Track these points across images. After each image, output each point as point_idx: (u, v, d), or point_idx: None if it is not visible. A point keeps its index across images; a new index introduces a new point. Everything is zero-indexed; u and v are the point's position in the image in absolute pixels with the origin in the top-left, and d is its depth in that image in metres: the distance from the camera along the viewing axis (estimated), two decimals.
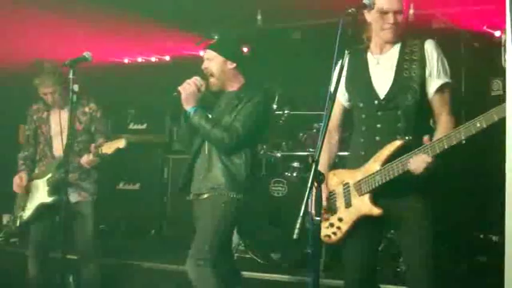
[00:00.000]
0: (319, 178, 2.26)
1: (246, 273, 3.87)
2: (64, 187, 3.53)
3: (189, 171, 3.44)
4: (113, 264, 4.57)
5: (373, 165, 2.61)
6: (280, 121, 4.95)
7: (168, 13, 5.68)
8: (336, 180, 2.75)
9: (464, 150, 2.62)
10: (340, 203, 2.71)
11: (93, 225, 4.01)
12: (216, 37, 5.07)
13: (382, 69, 2.67)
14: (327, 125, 2.32)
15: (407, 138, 2.57)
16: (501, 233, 2.19)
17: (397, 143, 2.57)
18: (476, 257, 4.44)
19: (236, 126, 3.23)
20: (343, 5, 2.46)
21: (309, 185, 2.20)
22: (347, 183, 2.70)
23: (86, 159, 3.81)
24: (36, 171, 4.07)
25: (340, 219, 2.68)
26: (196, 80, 3.34)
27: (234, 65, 3.37)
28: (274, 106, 4.94)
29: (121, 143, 3.71)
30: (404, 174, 2.52)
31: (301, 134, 4.91)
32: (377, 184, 2.58)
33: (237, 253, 4.61)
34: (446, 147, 2.43)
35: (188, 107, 3.30)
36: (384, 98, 2.64)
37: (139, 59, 7.31)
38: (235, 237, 4.71)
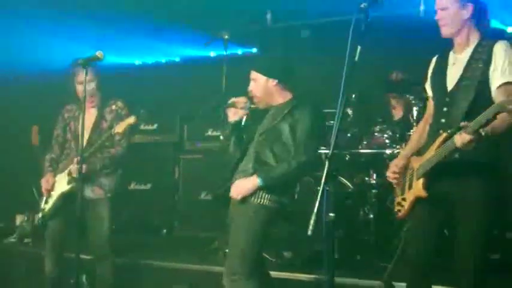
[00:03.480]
0: (333, 175, 2.29)
1: None
2: (80, 179, 3.63)
3: (231, 174, 3.44)
4: (125, 264, 4.59)
5: (429, 152, 2.83)
6: None
7: (177, 14, 5.70)
8: (410, 165, 3.00)
9: None
10: (407, 185, 2.97)
11: (109, 225, 4.02)
12: (226, 36, 5.09)
13: (456, 69, 2.87)
14: (339, 122, 2.37)
15: (449, 131, 2.71)
16: None
17: (444, 134, 2.74)
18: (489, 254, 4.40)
19: (300, 152, 3.26)
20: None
21: (322, 181, 2.22)
22: (412, 168, 2.95)
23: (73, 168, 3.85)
24: (60, 167, 4.08)
25: (404, 199, 2.97)
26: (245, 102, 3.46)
27: (276, 81, 3.39)
28: None
29: (131, 119, 3.76)
30: (456, 158, 2.69)
31: None
32: (428, 168, 2.78)
33: None
34: (477, 126, 2.48)
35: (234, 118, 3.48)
36: (449, 93, 2.84)
37: (149, 60, 7.37)
38: None
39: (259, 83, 3.40)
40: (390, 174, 3.05)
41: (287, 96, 3.44)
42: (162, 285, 4.44)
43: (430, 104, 3.07)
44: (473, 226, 2.75)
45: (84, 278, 4.24)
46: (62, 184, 3.99)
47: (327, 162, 2.27)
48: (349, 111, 4.73)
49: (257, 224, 3.26)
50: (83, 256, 3.80)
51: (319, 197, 2.20)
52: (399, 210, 3.00)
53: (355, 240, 4.58)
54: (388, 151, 4.52)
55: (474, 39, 2.85)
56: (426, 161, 2.81)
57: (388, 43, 5.03)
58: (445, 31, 2.88)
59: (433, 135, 2.87)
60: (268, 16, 6.09)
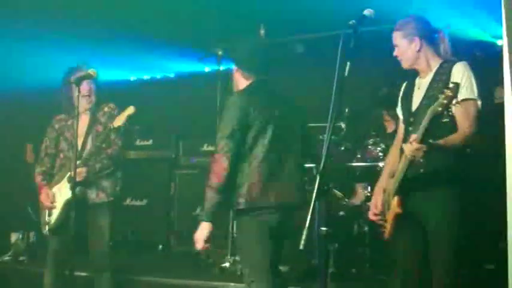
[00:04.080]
0: (324, 189, 2.31)
1: None
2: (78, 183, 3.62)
3: None
4: (121, 280, 4.57)
5: (397, 172, 2.94)
6: None
7: (171, 30, 5.74)
8: (386, 186, 3.08)
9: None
10: (386, 206, 3.06)
11: (110, 234, 3.97)
12: (220, 52, 5.13)
13: (420, 92, 3.01)
14: (331, 136, 2.39)
15: None
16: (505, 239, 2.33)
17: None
18: (483, 264, 4.41)
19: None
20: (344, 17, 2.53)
21: (314, 196, 2.24)
22: (387, 189, 3.05)
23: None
24: (56, 178, 4.04)
25: (385, 221, 3.06)
26: None
27: (236, 68, 3.26)
28: None
29: (130, 110, 3.75)
30: (421, 173, 2.80)
31: None
32: (396, 186, 2.90)
33: None
34: (420, 135, 2.62)
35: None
36: (412, 113, 3.00)
37: (144, 76, 7.41)
38: None
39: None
40: (372, 217, 3.12)
41: (242, 85, 3.23)
42: None
43: (401, 128, 3.16)
44: (440, 237, 2.83)
45: None
46: (64, 192, 3.92)
47: (317, 177, 2.29)
48: (343, 125, 4.77)
49: (252, 234, 3.13)
50: (78, 273, 3.79)
51: (310, 211, 2.23)
52: (383, 232, 3.08)
53: (351, 253, 4.58)
54: (381, 164, 4.54)
55: (435, 63, 2.98)
56: (394, 180, 2.93)
57: (381, 57, 5.06)
58: (403, 65, 3.06)
59: (401, 154, 2.95)
60: (262, 31, 6.12)
